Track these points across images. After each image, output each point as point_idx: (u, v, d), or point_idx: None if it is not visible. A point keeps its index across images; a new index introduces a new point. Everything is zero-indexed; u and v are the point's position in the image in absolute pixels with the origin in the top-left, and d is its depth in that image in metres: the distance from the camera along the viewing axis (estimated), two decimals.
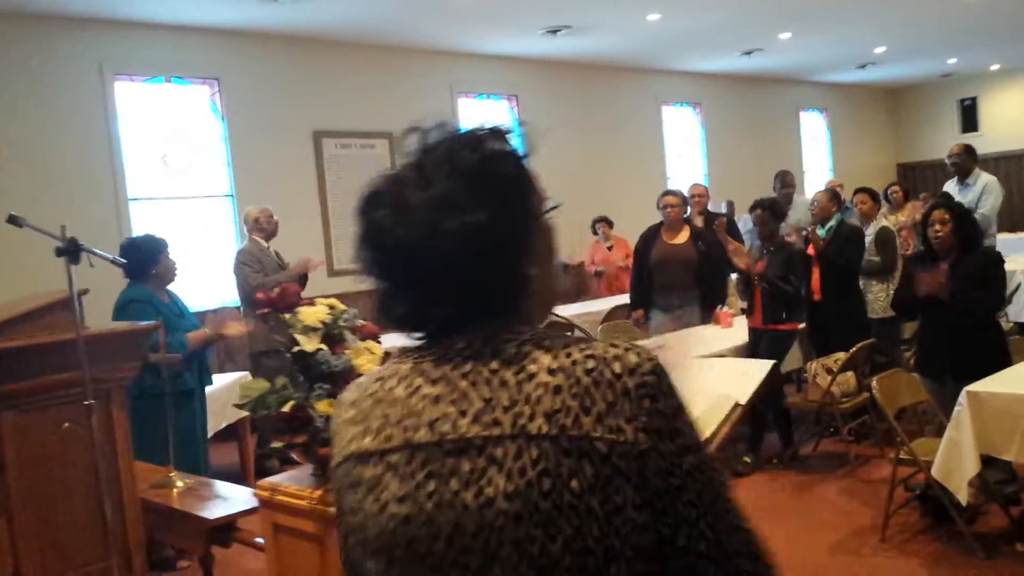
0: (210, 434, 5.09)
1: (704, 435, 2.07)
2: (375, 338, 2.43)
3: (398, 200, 1.03)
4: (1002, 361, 4.25)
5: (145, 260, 4.41)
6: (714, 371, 2.59)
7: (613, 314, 7.63)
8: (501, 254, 1.03)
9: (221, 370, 6.73)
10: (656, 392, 0.98)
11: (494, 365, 1.00)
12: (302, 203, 8.26)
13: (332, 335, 2.27)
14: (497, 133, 1.08)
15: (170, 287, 4.67)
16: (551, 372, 0.98)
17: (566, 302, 9.39)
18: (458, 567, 0.97)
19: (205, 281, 7.35)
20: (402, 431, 1.02)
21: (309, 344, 2.20)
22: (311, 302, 2.40)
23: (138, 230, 7.09)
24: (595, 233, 9.48)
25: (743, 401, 2.10)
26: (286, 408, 2.18)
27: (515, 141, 1.09)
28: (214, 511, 3.18)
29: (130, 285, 4.46)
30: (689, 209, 7.43)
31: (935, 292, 4.28)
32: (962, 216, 4.44)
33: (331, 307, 2.35)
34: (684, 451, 0.98)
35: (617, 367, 0.98)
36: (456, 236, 1.00)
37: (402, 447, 1.02)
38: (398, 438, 1.02)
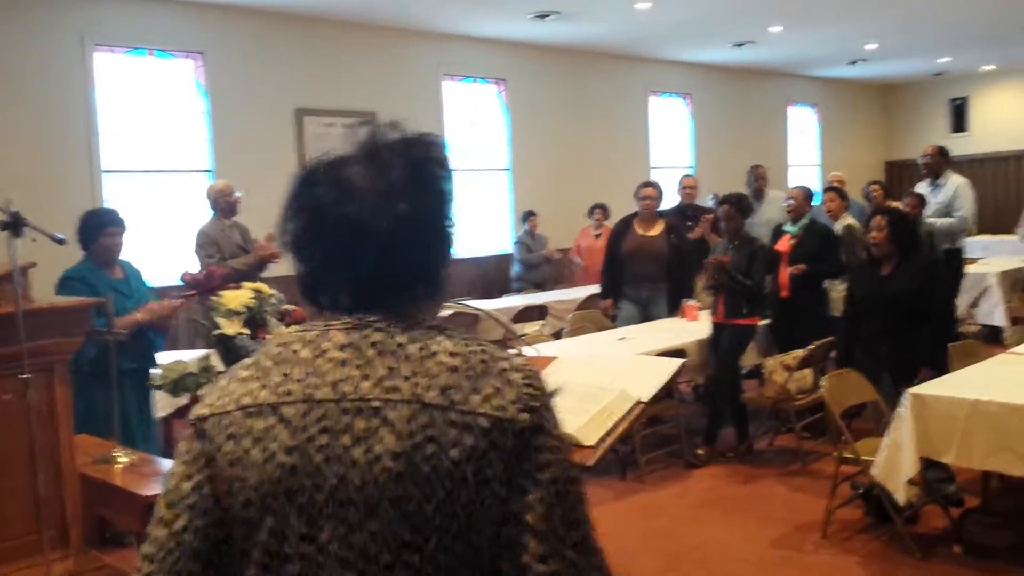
0: (170, 411, 5.10)
1: (603, 429, 2.10)
2: (302, 324, 2.45)
3: (350, 179, 1.12)
4: (940, 362, 4.34)
5: (85, 235, 4.42)
6: (624, 366, 2.61)
7: (586, 303, 7.67)
8: (431, 245, 1.15)
9: (191, 346, 6.76)
10: (536, 387, 1.10)
11: (401, 339, 1.10)
12: (281, 181, 8.08)
13: (256, 319, 2.30)
14: (438, 144, 1.19)
15: (134, 263, 4.68)
16: (451, 355, 1.09)
17: (545, 288, 9.42)
18: (335, 520, 1.05)
19: (178, 257, 7.35)
20: (303, 387, 1.10)
21: (230, 328, 2.23)
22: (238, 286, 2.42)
23: (112, 202, 7.11)
24: (590, 217, 9.35)
25: (646, 399, 2.13)
26: (202, 391, 2.21)
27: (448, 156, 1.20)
28: (151, 488, 3.20)
29: (81, 259, 4.48)
30: (680, 198, 7.47)
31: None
32: (898, 223, 4.53)
33: (257, 292, 2.37)
34: (545, 438, 1.08)
35: (506, 364, 1.10)
36: (402, 220, 1.10)
37: (300, 401, 1.09)
38: (297, 393, 1.09)
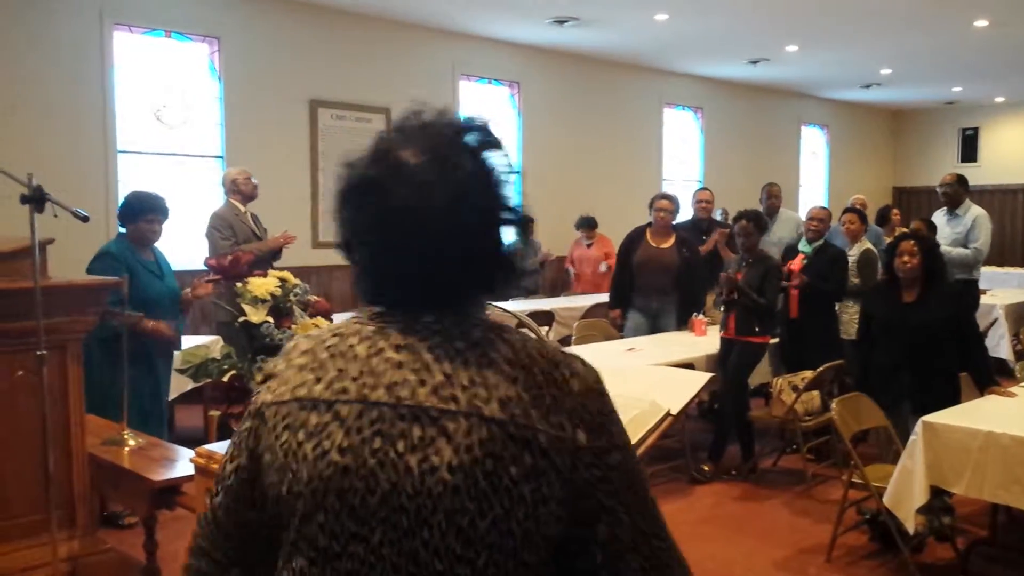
0: (174, 396, 5.08)
1: (633, 440, 2.08)
2: (326, 315, 2.43)
3: (406, 164, 1.08)
4: (956, 391, 4.35)
5: (124, 215, 4.48)
6: (652, 378, 2.59)
7: (592, 311, 7.65)
8: (491, 241, 1.11)
9: (196, 332, 6.72)
10: (594, 396, 1.09)
11: (460, 344, 1.07)
12: (292, 171, 8.22)
13: (281, 308, 2.26)
14: (489, 127, 1.16)
15: (156, 246, 4.70)
16: (510, 363, 1.06)
17: (550, 295, 9.39)
18: (386, 524, 1.03)
19: (187, 241, 7.31)
20: (358, 387, 1.07)
21: (255, 315, 2.20)
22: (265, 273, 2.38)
23: (124, 182, 7.07)
24: (578, 229, 9.39)
25: (675, 411, 2.11)
26: (226, 378, 2.18)
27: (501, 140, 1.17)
28: (160, 473, 3.17)
29: (117, 236, 4.53)
30: (694, 212, 7.44)
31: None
32: (930, 249, 4.49)
33: (282, 280, 2.33)
34: (611, 448, 1.08)
35: (567, 371, 1.09)
36: (469, 217, 1.07)
37: (355, 401, 1.07)
38: (353, 392, 1.07)
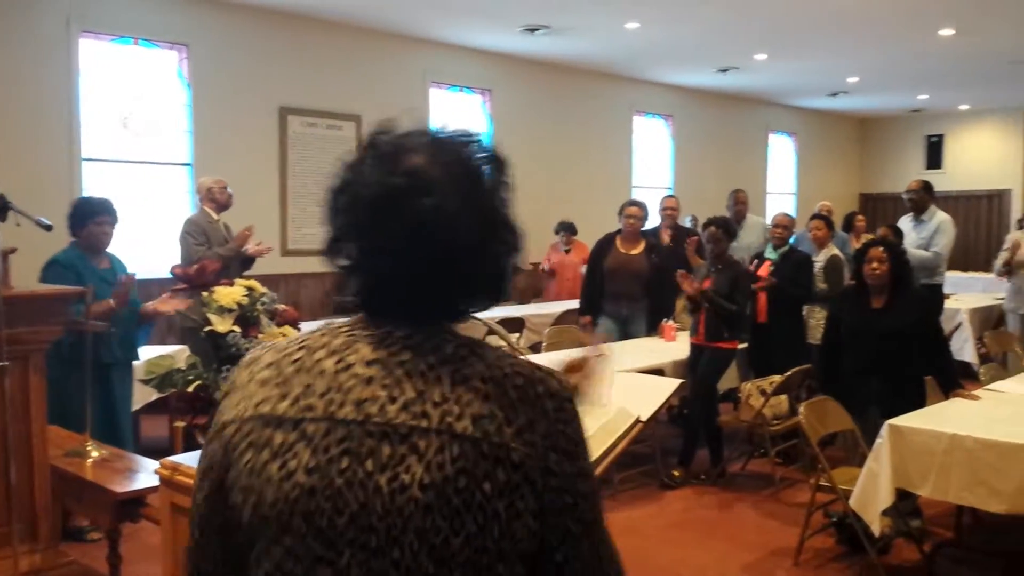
0: (139, 407, 5.01)
1: (603, 447, 2.09)
2: (294, 324, 2.42)
3: (419, 169, 1.05)
4: (923, 396, 4.40)
5: (74, 221, 4.39)
6: (622, 384, 2.60)
7: (563, 318, 7.66)
8: (493, 255, 1.09)
9: (162, 341, 6.65)
10: (568, 418, 1.07)
11: (432, 360, 1.04)
12: (261, 179, 8.18)
13: (247, 317, 2.25)
14: (487, 141, 1.14)
15: (116, 254, 4.62)
16: (483, 380, 1.04)
17: (521, 302, 9.39)
18: (355, 545, 1.00)
19: (154, 249, 7.25)
20: (325, 404, 1.04)
21: (221, 325, 2.18)
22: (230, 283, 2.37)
23: (90, 190, 6.99)
24: (557, 234, 9.42)
25: (645, 417, 2.12)
26: (191, 388, 2.16)
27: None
28: (124, 485, 3.13)
29: (69, 245, 4.43)
30: (660, 220, 7.48)
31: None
32: (899, 256, 4.54)
33: (249, 289, 2.32)
34: (580, 475, 1.06)
35: (541, 388, 1.06)
36: (480, 229, 1.06)
37: (322, 419, 1.03)
38: (319, 410, 1.04)
